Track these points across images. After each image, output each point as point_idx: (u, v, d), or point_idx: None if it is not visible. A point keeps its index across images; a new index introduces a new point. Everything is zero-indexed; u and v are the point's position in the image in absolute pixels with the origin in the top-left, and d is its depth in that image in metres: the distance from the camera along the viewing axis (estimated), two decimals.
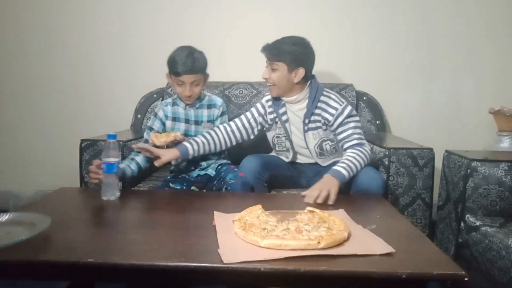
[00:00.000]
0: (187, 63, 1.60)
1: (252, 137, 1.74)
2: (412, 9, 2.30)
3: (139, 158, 1.63)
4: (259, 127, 1.72)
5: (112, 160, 1.31)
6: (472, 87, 2.33)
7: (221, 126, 1.69)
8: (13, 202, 2.58)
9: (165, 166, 2.10)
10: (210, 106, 1.78)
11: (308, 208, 1.15)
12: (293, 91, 1.62)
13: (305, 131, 1.64)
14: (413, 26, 2.31)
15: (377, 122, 2.22)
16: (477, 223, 1.46)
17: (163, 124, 1.76)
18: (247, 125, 1.70)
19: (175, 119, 1.76)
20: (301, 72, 1.57)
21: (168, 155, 1.53)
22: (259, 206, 1.16)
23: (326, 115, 1.60)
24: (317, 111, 1.62)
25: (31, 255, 0.91)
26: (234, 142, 1.69)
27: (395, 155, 1.67)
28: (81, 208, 1.36)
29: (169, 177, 1.76)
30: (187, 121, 1.76)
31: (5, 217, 1.09)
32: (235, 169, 1.68)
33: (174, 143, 1.60)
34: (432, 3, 2.29)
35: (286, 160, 1.75)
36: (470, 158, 1.52)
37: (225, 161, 1.84)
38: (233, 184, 1.56)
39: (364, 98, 2.25)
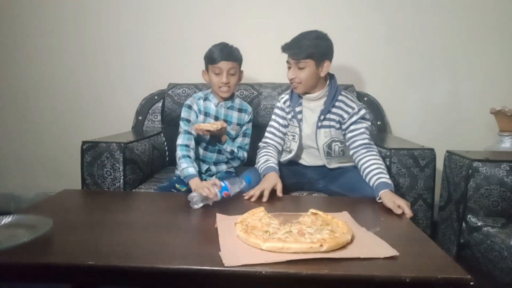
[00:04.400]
0: (224, 50, 1.66)
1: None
2: (413, 10, 2.29)
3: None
4: (287, 128, 1.73)
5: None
6: (473, 87, 2.33)
7: (270, 148, 1.68)
8: (15, 205, 2.59)
9: (168, 168, 2.12)
10: (241, 110, 1.79)
11: (311, 210, 1.14)
12: (317, 87, 1.61)
13: (317, 127, 1.63)
14: (414, 27, 2.30)
15: (378, 122, 2.22)
16: (479, 224, 1.45)
17: (197, 117, 1.74)
18: (284, 131, 1.71)
19: (206, 114, 1.75)
20: (327, 65, 1.56)
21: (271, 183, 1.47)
22: (262, 208, 1.16)
23: (342, 113, 1.60)
24: (333, 109, 1.61)
25: (32, 257, 0.91)
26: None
27: (396, 156, 1.66)
28: (83, 210, 1.37)
29: (174, 178, 1.76)
30: (217, 118, 1.74)
31: (7, 219, 1.09)
32: (231, 177, 1.70)
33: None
34: (433, 4, 2.28)
35: (281, 160, 1.73)
36: (472, 158, 1.52)
37: (231, 170, 1.85)
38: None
39: (365, 98, 2.25)
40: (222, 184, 1.37)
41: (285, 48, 1.55)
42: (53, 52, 2.45)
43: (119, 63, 2.43)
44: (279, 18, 2.32)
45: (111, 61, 2.43)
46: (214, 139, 1.69)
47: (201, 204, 1.30)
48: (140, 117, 2.27)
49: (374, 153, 1.52)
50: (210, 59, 1.66)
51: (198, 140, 1.73)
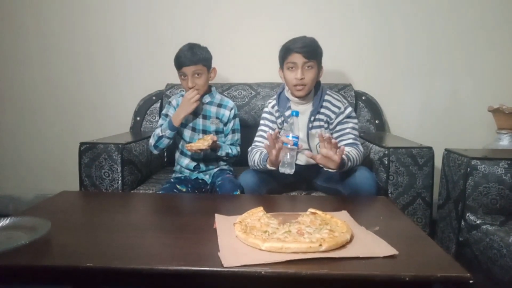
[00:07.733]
0: (186, 55, 1.67)
1: None
2: (412, 8, 2.30)
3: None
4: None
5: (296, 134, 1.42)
6: (471, 85, 2.33)
7: (254, 151, 1.63)
8: (13, 207, 2.58)
9: (166, 168, 2.12)
10: (220, 105, 1.82)
11: (310, 209, 1.14)
12: None
13: (308, 129, 1.65)
14: (412, 25, 2.31)
15: (376, 121, 2.22)
16: (478, 222, 1.45)
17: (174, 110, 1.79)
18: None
19: None
20: (323, 70, 1.64)
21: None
22: (261, 208, 1.15)
23: (329, 113, 1.65)
24: (321, 109, 1.65)
25: (31, 259, 0.91)
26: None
27: (394, 155, 1.67)
28: (81, 212, 1.36)
29: (172, 180, 1.76)
30: (195, 113, 1.78)
31: (5, 221, 1.09)
32: (226, 175, 1.72)
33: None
34: (431, 3, 2.29)
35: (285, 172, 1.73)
36: (470, 156, 1.52)
37: (226, 167, 1.85)
38: (221, 185, 1.59)
39: (363, 97, 2.25)
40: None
41: (296, 47, 1.55)
42: (52, 53, 2.44)
43: (117, 64, 2.42)
44: (277, 18, 2.32)
45: (109, 62, 2.43)
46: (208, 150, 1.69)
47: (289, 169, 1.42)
48: (138, 118, 2.27)
49: (355, 147, 1.55)
50: (175, 65, 1.71)
51: (182, 138, 1.80)
